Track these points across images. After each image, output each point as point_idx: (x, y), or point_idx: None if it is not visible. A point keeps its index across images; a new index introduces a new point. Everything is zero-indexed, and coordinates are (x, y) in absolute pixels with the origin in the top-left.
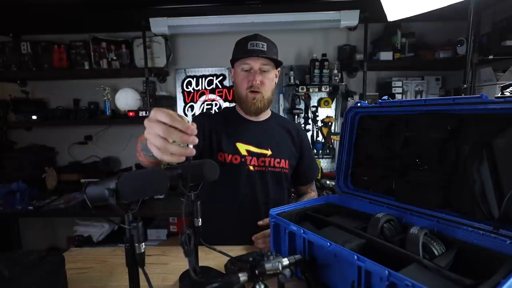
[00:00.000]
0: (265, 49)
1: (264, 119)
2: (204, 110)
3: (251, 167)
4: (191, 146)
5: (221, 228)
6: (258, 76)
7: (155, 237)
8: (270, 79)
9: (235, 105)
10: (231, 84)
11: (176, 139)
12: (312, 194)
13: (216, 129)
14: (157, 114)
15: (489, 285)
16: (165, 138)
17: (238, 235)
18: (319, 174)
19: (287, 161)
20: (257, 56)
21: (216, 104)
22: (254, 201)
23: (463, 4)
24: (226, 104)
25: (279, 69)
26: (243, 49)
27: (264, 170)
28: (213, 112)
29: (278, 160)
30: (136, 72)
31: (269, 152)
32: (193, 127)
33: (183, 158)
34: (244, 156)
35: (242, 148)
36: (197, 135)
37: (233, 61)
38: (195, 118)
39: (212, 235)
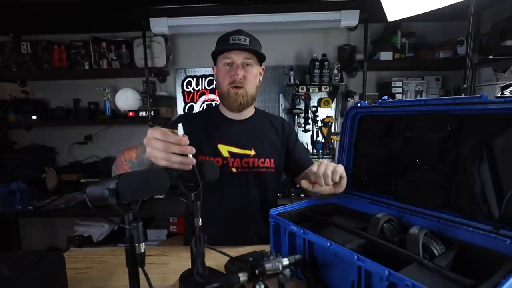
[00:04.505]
0: (248, 43)
1: (247, 117)
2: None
3: (234, 169)
4: (190, 155)
5: (208, 229)
6: (241, 70)
7: (155, 237)
8: (253, 74)
9: (218, 104)
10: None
11: (175, 151)
12: None
13: (196, 131)
14: (153, 133)
15: (489, 285)
16: (166, 151)
17: (225, 237)
18: None
19: (272, 160)
20: (239, 49)
21: (216, 104)
22: (238, 203)
23: (463, 4)
24: None
25: (263, 66)
26: (225, 44)
27: (248, 171)
28: (196, 111)
29: (262, 160)
30: (136, 72)
31: (252, 152)
32: (185, 139)
33: (189, 166)
34: (226, 158)
35: (224, 149)
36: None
37: (215, 57)
38: (173, 121)
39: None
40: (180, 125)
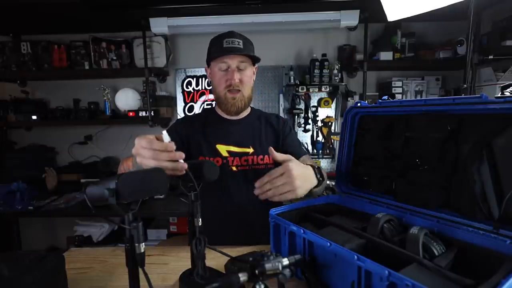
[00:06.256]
0: (242, 46)
1: (243, 116)
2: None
3: (234, 168)
4: (181, 160)
5: (211, 229)
6: (236, 74)
7: (155, 237)
8: (248, 77)
9: (214, 105)
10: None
11: (165, 158)
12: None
13: (194, 134)
14: (140, 142)
15: (489, 285)
16: (156, 159)
17: (228, 236)
18: None
19: (270, 156)
20: (233, 53)
21: (213, 106)
22: (241, 201)
23: (463, 4)
24: None
25: (256, 66)
26: (219, 48)
27: (248, 169)
28: (196, 111)
29: (261, 156)
30: (136, 72)
31: (251, 150)
32: (171, 145)
33: (182, 172)
34: (226, 157)
35: (223, 149)
36: (178, 148)
37: (208, 61)
38: (172, 126)
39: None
40: (164, 131)
